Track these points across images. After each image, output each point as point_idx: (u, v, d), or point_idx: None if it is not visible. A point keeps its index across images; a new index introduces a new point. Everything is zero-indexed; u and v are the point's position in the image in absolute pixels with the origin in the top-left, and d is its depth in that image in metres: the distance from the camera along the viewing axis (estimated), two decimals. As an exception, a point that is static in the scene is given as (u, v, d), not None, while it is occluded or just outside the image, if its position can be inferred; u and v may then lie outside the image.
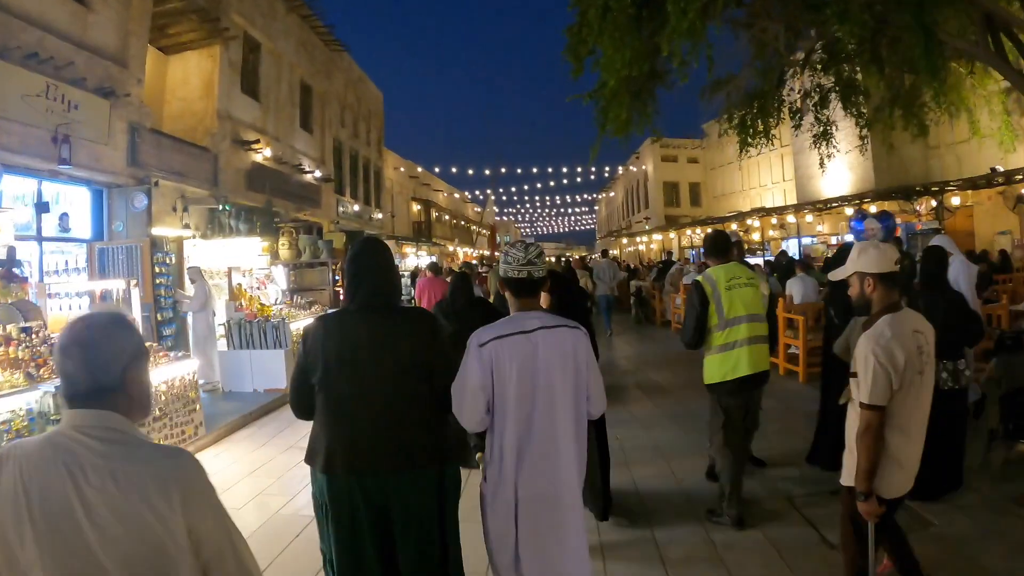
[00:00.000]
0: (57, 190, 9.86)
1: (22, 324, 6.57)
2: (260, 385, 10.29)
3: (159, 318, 10.16)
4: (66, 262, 9.88)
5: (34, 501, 1.44)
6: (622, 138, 11.04)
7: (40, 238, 9.40)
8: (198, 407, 7.86)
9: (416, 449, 2.66)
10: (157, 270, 10.26)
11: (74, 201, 10.24)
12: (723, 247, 5.09)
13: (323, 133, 20.64)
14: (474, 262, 37.79)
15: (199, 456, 7.23)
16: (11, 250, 7.14)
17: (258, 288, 12.27)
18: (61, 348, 1.58)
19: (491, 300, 6.83)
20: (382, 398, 2.65)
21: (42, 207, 9.29)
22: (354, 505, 2.62)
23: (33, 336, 6.51)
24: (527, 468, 2.62)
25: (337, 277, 15.49)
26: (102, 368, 1.56)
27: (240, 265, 12.29)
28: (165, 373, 7.45)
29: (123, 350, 1.61)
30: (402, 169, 34.33)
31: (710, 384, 4.93)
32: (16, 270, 7.11)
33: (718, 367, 4.82)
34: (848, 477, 3.08)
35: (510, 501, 2.62)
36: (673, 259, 23.52)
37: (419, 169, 38.39)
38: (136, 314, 8.12)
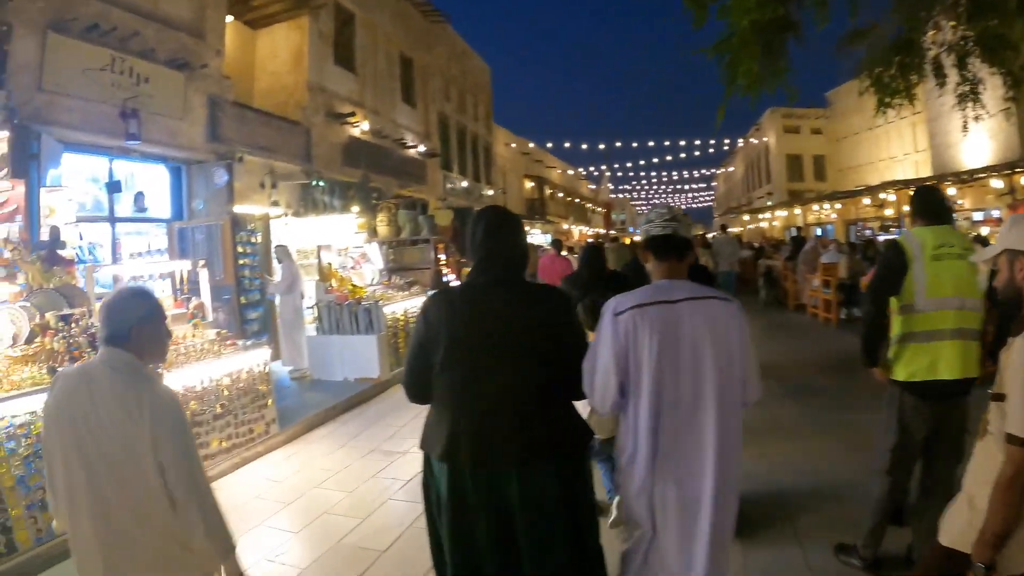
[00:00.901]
0: (132, 169, 9.24)
1: (65, 311, 5.70)
2: (350, 374, 9.31)
3: (243, 301, 9.28)
4: (148, 244, 9.22)
5: (63, 399, 2.23)
6: (752, 98, 9.40)
7: (113, 219, 8.81)
8: (269, 402, 6.83)
9: (544, 439, 2.38)
10: (240, 249, 9.38)
11: (151, 180, 9.59)
12: (935, 206, 3.59)
13: (427, 107, 19.56)
14: (590, 240, 36.73)
15: (268, 456, 6.17)
16: (55, 230, 6.34)
17: (352, 267, 11.31)
18: (100, 308, 2.43)
19: None
20: (510, 381, 2.37)
21: (114, 187, 8.65)
22: (473, 497, 2.35)
23: (72, 325, 5.61)
24: (663, 463, 2.31)
25: (441, 256, 14.40)
26: (117, 324, 2.27)
27: (333, 243, 11.37)
28: (228, 365, 6.42)
29: (133, 314, 2.29)
30: (513, 145, 33.07)
31: (894, 382, 3.51)
32: (62, 252, 6.28)
33: (905, 362, 3.42)
34: (956, 537, 2.19)
35: (643, 498, 2.35)
36: (801, 236, 21.06)
37: (531, 145, 36.99)
38: (205, 296, 7.20)
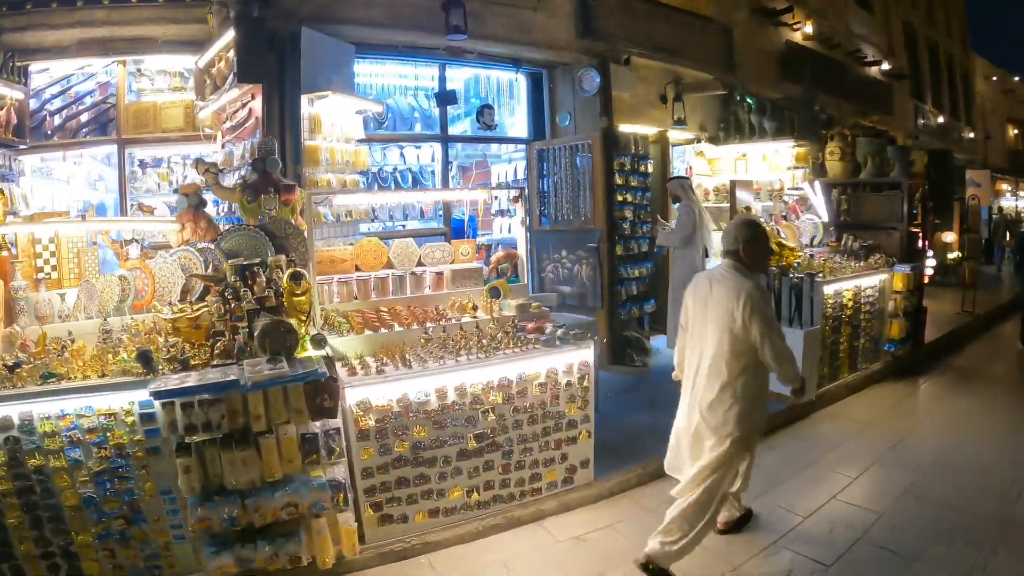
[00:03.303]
0: (472, 75, 6.83)
1: (256, 260, 3.30)
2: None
3: (618, 252, 6.04)
4: (515, 170, 7.06)
5: (699, 290, 3.35)
6: None
7: (445, 137, 6.43)
8: (582, 434, 3.73)
9: None
10: (619, 181, 6.03)
11: (505, 90, 6.99)
12: None
13: (887, 13, 13.77)
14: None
15: (549, 524, 3.73)
16: (266, 145, 4.16)
17: (784, 217, 7.17)
18: (724, 230, 3.44)
19: None
20: None
21: (445, 98, 6.27)
22: None
23: (250, 280, 3.24)
24: None
25: (915, 211, 9.14)
26: (731, 242, 3.25)
27: (758, 180, 7.33)
28: (501, 370, 3.42)
29: (740, 236, 3.23)
30: (995, 79, 24.00)
31: None
32: (280, 176, 4.03)
33: None
34: None
35: None
36: None
37: (1015, 79, 26.88)
38: (520, 246, 4.13)
